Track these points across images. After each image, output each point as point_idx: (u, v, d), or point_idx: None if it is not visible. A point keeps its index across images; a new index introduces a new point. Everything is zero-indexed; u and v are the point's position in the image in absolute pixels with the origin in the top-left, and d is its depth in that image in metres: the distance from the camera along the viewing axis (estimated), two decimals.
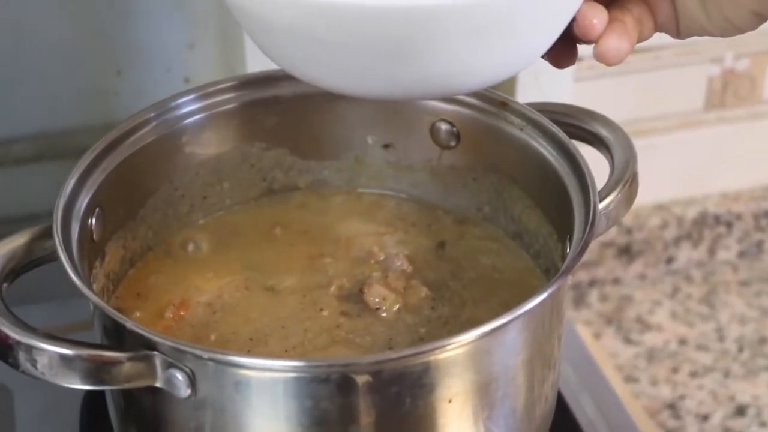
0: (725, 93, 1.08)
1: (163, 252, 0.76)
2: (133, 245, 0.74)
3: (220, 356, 0.59)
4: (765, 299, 1.09)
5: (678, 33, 0.62)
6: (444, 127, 0.76)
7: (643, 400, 0.98)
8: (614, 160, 0.70)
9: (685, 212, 1.11)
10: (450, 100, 0.75)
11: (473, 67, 0.56)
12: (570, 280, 0.64)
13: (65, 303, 0.82)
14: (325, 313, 0.70)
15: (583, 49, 0.61)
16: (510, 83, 0.94)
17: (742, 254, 1.14)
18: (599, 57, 0.58)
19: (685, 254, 1.12)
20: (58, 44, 0.91)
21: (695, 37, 0.62)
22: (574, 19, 0.58)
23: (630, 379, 1.00)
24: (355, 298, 0.71)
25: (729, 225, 1.12)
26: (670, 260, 1.12)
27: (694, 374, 1.01)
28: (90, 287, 0.63)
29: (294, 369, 0.58)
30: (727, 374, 1.01)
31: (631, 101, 1.05)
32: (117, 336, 0.62)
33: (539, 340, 0.64)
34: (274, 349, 0.68)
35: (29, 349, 0.59)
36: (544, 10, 0.55)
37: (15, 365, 0.60)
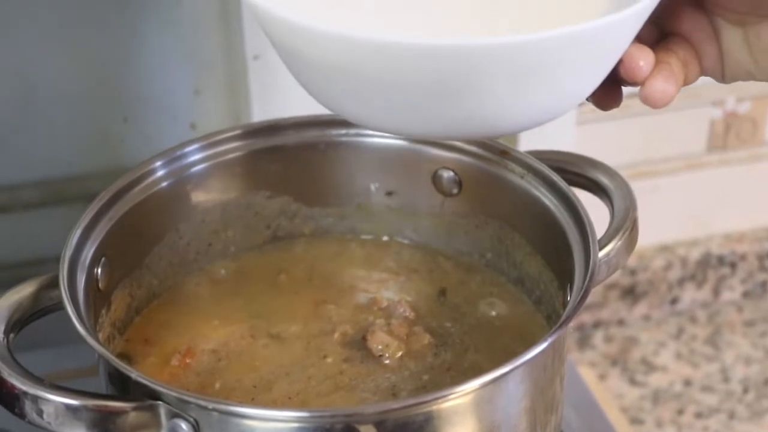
0: (727, 135, 1.08)
1: (168, 300, 0.76)
2: (139, 293, 0.75)
3: (223, 406, 0.59)
4: None
5: (723, 77, 0.61)
6: (446, 174, 0.77)
7: None
8: (614, 207, 0.71)
9: (689, 253, 1.11)
10: (452, 148, 0.75)
11: (516, 108, 0.55)
12: (572, 325, 0.65)
13: (72, 348, 0.82)
14: (329, 360, 0.71)
15: None
16: None
17: (746, 294, 1.14)
18: (645, 99, 0.58)
19: (690, 295, 1.12)
20: (65, 91, 0.92)
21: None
22: (620, 61, 0.57)
23: (636, 420, 1.00)
24: (358, 345, 0.72)
25: (733, 265, 1.12)
26: (674, 301, 1.12)
27: (699, 415, 1.01)
28: (96, 337, 0.63)
29: (297, 419, 0.59)
30: (732, 416, 1.01)
31: (634, 144, 1.05)
32: (122, 385, 0.62)
33: (541, 386, 0.64)
34: (277, 396, 0.68)
35: (35, 399, 0.60)
36: (592, 53, 0.54)
37: (21, 415, 0.60)
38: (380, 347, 0.71)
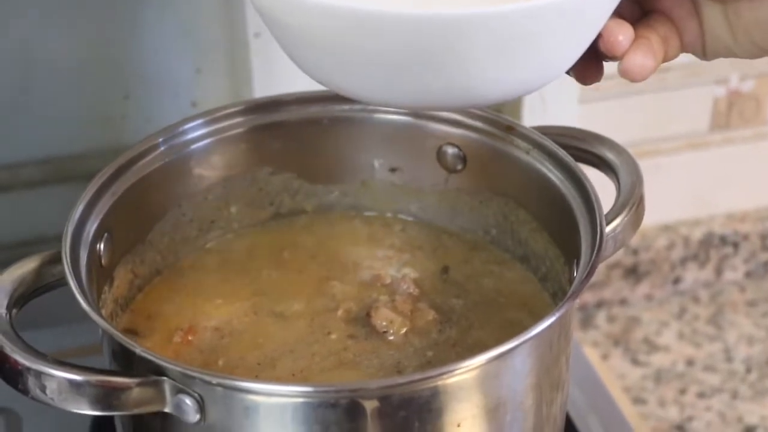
0: (730, 114, 1.08)
1: (171, 277, 0.76)
2: (142, 270, 0.74)
3: (228, 381, 0.59)
4: None
5: (704, 54, 0.61)
6: (450, 150, 0.76)
7: (651, 421, 0.98)
8: (620, 183, 0.71)
9: (691, 233, 1.11)
10: (457, 123, 0.75)
11: (499, 78, 0.56)
12: (577, 302, 0.64)
13: (74, 326, 0.82)
14: (333, 336, 0.71)
15: None
16: (516, 104, 0.94)
17: (749, 274, 1.13)
18: (624, 73, 0.58)
19: (692, 275, 1.12)
20: (66, 69, 0.92)
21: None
22: (599, 35, 0.58)
23: (638, 400, 1.00)
24: (362, 321, 0.71)
25: (735, 245, 1.12)
26: (676, 281, 1.12)
27: (701, 395, 1.01)
28: (99, 313, 0.63)
29: (302, 394, 0.58)
30: (735, 395, 1.01)
31: (637, 122, 1.05)
32: (125, 361, 0.62)
33: (547, 363, 0.64)
34: (281, 373, 0.68)
35: (39, 375, 0.59)
36: (572, 25, 0.55)
37: (24, 391, 0.60)
38: (384, 324, 0.70)
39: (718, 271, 1.12)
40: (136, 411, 0.59)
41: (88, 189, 0.69)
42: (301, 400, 0.58)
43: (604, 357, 1.05)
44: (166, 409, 0.60)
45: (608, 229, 0.67)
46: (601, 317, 1.09)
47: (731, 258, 1.12)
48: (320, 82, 0.59)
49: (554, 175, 0.71)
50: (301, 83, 0.68)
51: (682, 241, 1.10)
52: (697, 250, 1.11)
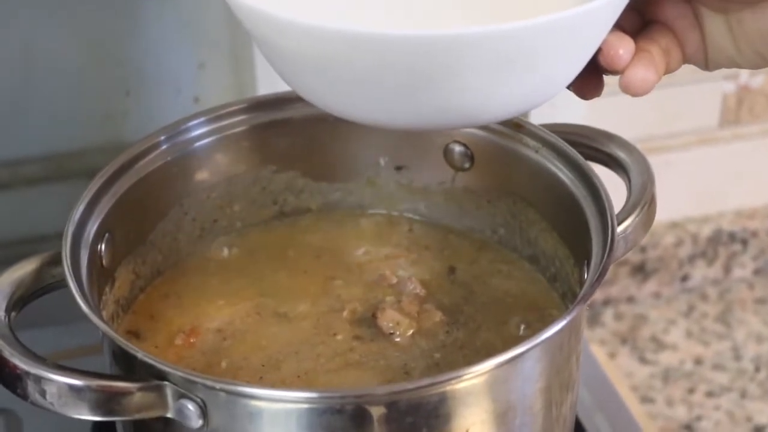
0: (740, 110, 1.07)
1: (173, 277, 0.75)
2: (143, 270, 0.74)
3: (231, 387, 0.58)
4: None
5: (707, 65, 0.61)
6: (458, 148, 0.75)
7: (659, 421, 0.97)
8: (631, 182, 0.70)
9: (699, 230, 1.10)
10: None
11: (496, 98, 0.55)
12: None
13: (75, 327, 0.81)
14: (338, 337, 0.70)
15: None
16: None
17: (757, 272, 1.13)
18: (625, 88, 0.58)
19: (700, 272, 1.11)
20: (67, 65, 0.91)
21: None
22: (599, 50, 0.57)
23: (646, 399, 1.00)
24: (368, 322, 0.71)
25: (744, 242, 1.11)
26: (684, 278, 1.11)
27: (710, 394, 1.00)
28: (100, 315, 0.62)
29: (307, 400, 0.57)
30: (744, 394, 1.00)
31: (646, 118, 1.04)
32: (126, 364, 0.61)
33: (558, 365, 0.63)
34: (286, 374, 0.67)
35: (38, 379, 0.58)
36: (569, 41, 0.54)
37: (23, 396, 0.59)
38: (391, 325, 0.70)
39: (727, 269, 1.12)
40: (137, 416, 0.59)
41: (88, 189, 0.68)
42: (305, 405, 0.57)
43: (611, 355, 1.04)
44: (168, 415, 0.59)
45: (619, 229, 0.66)
46: (608, 315, 1.09)
47: (740, 255, 1.11)
48: (314, 104, 0.59)
49: (564, 174, 0.70)
50: None
51: (691, 239, 1.09)
52: (705, 248, 1.10)
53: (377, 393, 0.59)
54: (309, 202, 0.79)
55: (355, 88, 0.55)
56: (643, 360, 1.04)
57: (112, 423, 0.68)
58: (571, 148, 0.70)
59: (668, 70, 0.60)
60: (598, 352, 1.00)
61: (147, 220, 0.74)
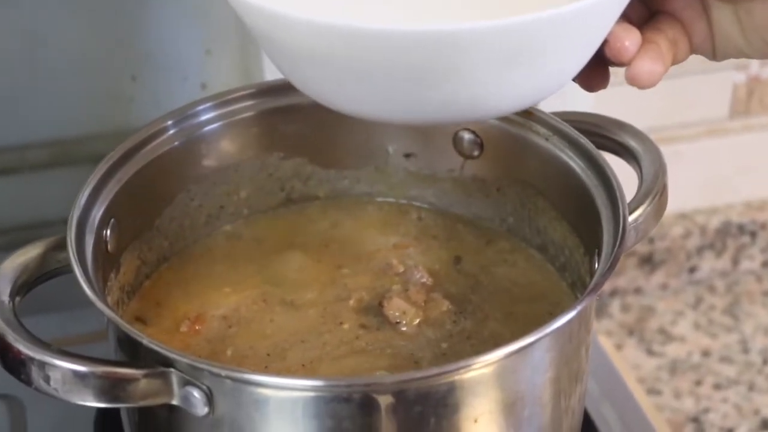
0: (750, 100, 1.07)
1: (179, 264, 0.74)
2: (149, 257, 0.73)
3: (237, 374, 0.57)
4: None
5: (714, 55, 0.60)
6: (467, 136, 0.75)
7: (666, 413, 0.97)
8: (643, 171, 0.69)
9: (708, 221, 1.10)
10: None
11: (500, 92, 0.55)
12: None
13: (80, 313, 0.81)
14: (345, 326, 0.69)
15: None
16: None
17: (766, 264, 1.12)
18: (631, 80, 0.57)
19: (709, 264, 1.11)
20: (73, 50, 0.91)
21: None
22: (605, 41, 0.56)
23: (653, 391, 0.99)
24: (374, 311, 0.70)
25: (753, 234, 1.11)
26: (692, 270, 1.11)
27: (717, 387, 1.00)
28: (105, 301, 0.62)
29: (314, 388, 0.57)
30: (751, 387, 1.00)
31: (655, 108, 1.04)
32: (132, 351, 0.60)
33: (567, 356, 0.62)
34: (291, 363, 0.67)
35: (42, 365, 0.58)
36: (574, 34, 0.54)
37: (27, 381, 0.59)
38: (397, 314, 0.69)
39: (735, 261, 1.11)
40: (142, 403, 0.58)
41: (94, 174, 0.68)
42: (312, 394, 0.57)
43: (619, 347, 1.03)
44: (174, 402, 0.58)
45: (630, 219, 0.65)
46: (615, 306, 1.08)
47: (748, 247, 1.11)
48: (314, 98, 0.59)
49: (575, 163, 0.69)
50: None
51: (699, 230, 1.09)
52: (713, 239, 1.10)
53: (385, 382, 0.58)
54: (317, 189, 0.79)
55: (359, 85, 0.55)
56: (650, 352, 1.03)
57: (117, 410, 0.67)
58: (582, 136, 0.70)
59: (675, 61, 0.59)
60: (606, 344, 1.00)
61: (153, 206, 0.73)
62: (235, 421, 0.58)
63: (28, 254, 0.64)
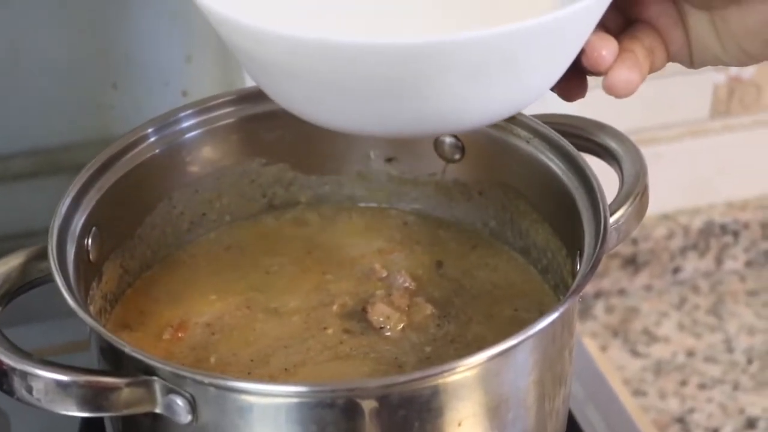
0: (731, 101, 1.07)
1: (161, 271, 0.74)
2: (131, 265, 0.73)
3: (220, 381, 0.57)
4: None
5: (692, 63, 0.61)
6: (448, 140, 0.75)
7: (651, 414, 0.97)
8: (624, 172, 0.69)
9: (691, 222, 1.10)
10: None
11: (476, 104, 0.54)
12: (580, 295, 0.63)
13: (62, 322, 0.81)
14: (329, 331, 0.69)
15: None
16: None
17: (749, 263, 1.12)
18: (608, 89, 0.57)
19: (692, 264, 1.11)
20: (54, 58, 0.91)
21: None
22: (582, 51, 0.56)
23: (638, 392, 0.99)
24: (358, 316, 0.70)
25: (736, 234, 1.11)
26: (676, 271, 1.11)
27: (702, 387, 1.00)
28: (87, 310, 0.61)
29: (297, 394, 0.57)
30: (736, 387, 1.00)
31: (636, 110, 1.04)
32: (114, 359, 0.60)
33: (551, 358, 0.62)
34: (274, 367, 0.66)
35: (24, 375, 0.58)
36: (549, 45, 0.53)
37: (10, 392, 0.59)
38: (381, 319, 0.69)
39: (719, 261, 1.11)
40: (125, 412, 0.58)
41: (74, 182, 0.67)
42: (296, 400, 0.57)
43: (603, 348, 1.03)
44: (157, 410, 0.58)
45: (611, 220, 0.65)
46: (599, 308, 1.08)
47: (731, 247, 1.11)
48: (287, 109, 0.59)
49: (556, 165, 0.69)
50: None
51: (682, 231, 1.09)
52: (696, 240, 1.10)
53: (369, 386, 0.58)
54: (299, 195, 0.78)
55: (332, 98, 0.55)
56: (635, 353, 1.03)
57: (101, 419, 0.67)
58: (563, 138, 0.70)
59: (653, 69, 0.59)
60: (590, 345, 1.00)
61: (135, 213, 0.73)
62: (219, 428, 0.58)
63: (9, 264, 0.64)
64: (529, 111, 0.73)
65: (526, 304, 0.71)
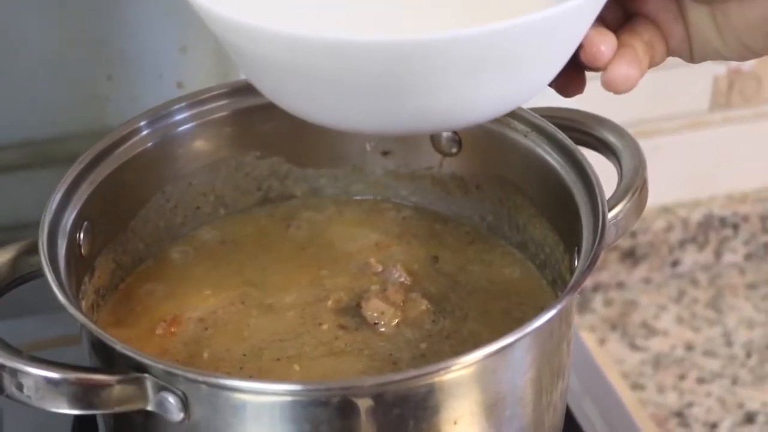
0: (731, 93, 1.07)
1: (154, 266, 0.74)
2: (124, 259, 0.72)
3: (213, 379, 0.57)
4: None
5: (692, 57, 0.60)
6: (445, 133, 0.74)
7: (650, 408, 0.97)
8: (622, 167, 0.69)
9: (690, 214, 1.09)
10: None
11: (474, 101, 0.54)
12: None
13: (54, 316, 0.80)
14: (324, 327, 0.68)
15: None
16: None
17: (748, 257, 1.12)
18: (607, 85, 0.56)
19: (691, 257, 1.10)
20: (48, 50, 0.90)
21: None
22: (581, 46, 0.55)
23: (636, 386, 0.99)
24: (353, 312, 0.69)
25: (735, 227, 1.10)
26: (675, 264, 1.10)
27: (701, 381, 1.00)
28: (78, 306, 0.61)
29: (291, 392, 0.56)
30: (735, 381, 0.99)
31: (636, 102, 1.03)
32: (106, 356, 0.60)
33: (548, 354, 0.62)
34: (266, 360, 0.66)
35: (14, 372, 0.57)
36: (546, 41, 0.53)
37: None
38: (375, 315, 0.68)
39: (718, 254, 1.11)
40: (117, 409, 0.58)
41: (66, 176, 0.67)
42: (290, 398, 0.56)
43: (601, 341, 1.03)
44: (149, 408, 0.58)
45: (610, 215, 0.65)
46: (597, 301, 1.08)
47: (731, 240, 1.11)
48: (287, 110, 0.58)
49: (554, 159, 0.69)
50: None
51: (681, 223, 1.09)
52: (696, 233, 1.10)
53: (363, 385, 0.57)
54: (294, 188, 0.78)
55: (327, 96, 0.54)
56: (633, 346, 1.03)
57: (94, 415, 0.66)
58: (561, 132, 0.69)
59: (652, 64, 0.59)
60: (588, 339, 0.99)
61: (127, 207, 0.72)
62: (212, 426, 0.57)
63: None
64: (526, 104, 0.73)
65: (522, 300, 0.70)
